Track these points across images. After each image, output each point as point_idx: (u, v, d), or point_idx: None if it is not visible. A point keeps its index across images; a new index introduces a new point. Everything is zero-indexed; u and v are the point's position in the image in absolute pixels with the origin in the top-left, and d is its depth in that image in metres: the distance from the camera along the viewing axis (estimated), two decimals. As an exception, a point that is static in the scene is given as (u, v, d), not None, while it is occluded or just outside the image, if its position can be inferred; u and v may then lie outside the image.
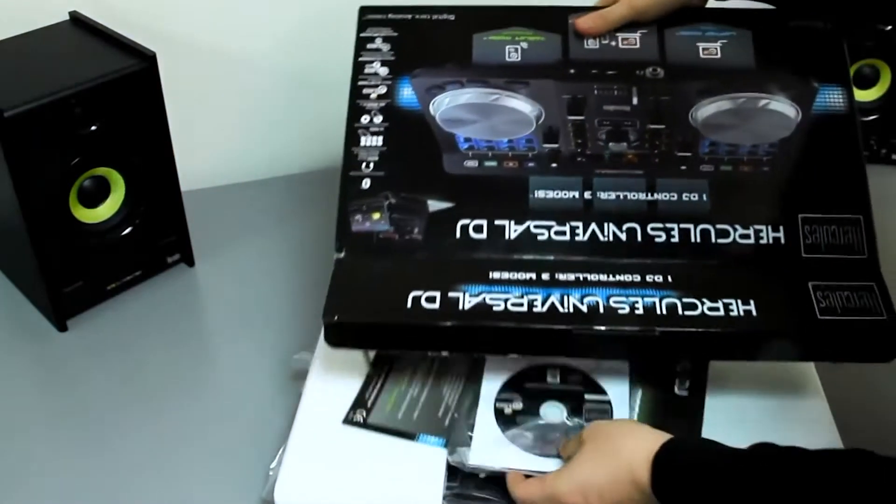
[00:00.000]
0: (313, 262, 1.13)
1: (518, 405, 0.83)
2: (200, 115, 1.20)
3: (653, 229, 0.83)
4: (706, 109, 0.88)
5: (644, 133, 0.87)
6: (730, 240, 0.82)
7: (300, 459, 0.81)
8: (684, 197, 0.84)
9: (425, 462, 0.80)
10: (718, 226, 0.82)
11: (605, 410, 0.82)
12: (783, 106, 0.88)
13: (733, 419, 0.82)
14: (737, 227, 0.82)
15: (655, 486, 0.67)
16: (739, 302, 0.78)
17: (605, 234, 0.83)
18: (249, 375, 0.95)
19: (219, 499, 0.83)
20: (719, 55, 0.90)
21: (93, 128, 0.93)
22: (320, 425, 0.84)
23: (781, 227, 0.82)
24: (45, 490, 0.84)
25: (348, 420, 0.83)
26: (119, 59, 0.96)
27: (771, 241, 0.82)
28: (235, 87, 1.21)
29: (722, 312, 0.78)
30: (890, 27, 1.17)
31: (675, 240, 0.82)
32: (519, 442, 0.80)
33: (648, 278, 0.80)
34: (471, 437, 0.80)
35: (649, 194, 0.84)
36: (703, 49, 0.91)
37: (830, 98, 0.88)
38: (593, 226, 0.83)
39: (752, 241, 0.82)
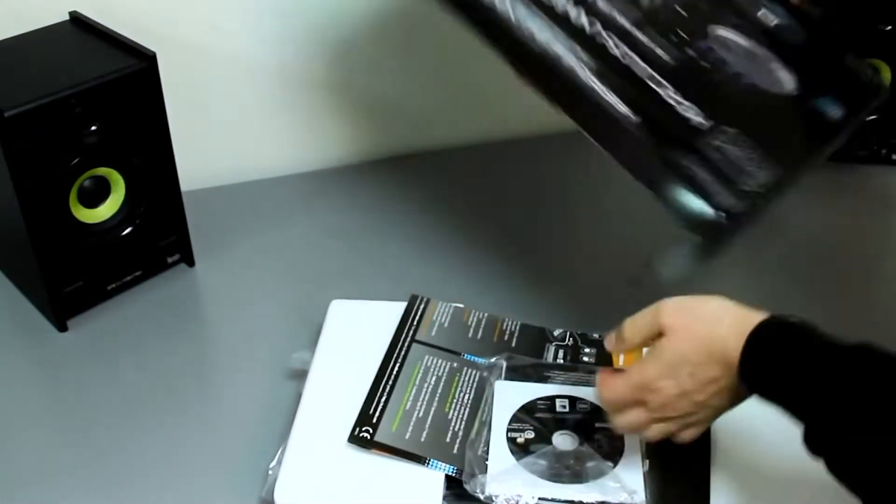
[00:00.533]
0: (313, 262, 1.13)
1: (530, 434, 0.83)
2: (200, 115, 1.20)
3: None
4: (726, 33, 0.93)
5: None
6: None
7: (300, 459, 0.81)
8: None
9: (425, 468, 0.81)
10: None
11: (617, 437, 0.82)
12: (786, 78, 0.92)
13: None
14: None
15: (743, 368, 0.66)
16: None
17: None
18: (249, 375, 0.95)
19: (217, 498, 0.83)
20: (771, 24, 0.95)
21: (93, 128, 0.93)
22: (321, 425, 0.84)
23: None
24: (44, 489, 0.84)
25: (354, 438, 0.82)
26: (119, 59, 0.96)
27: None
28: (235, 87, 1.21)
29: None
30: (890, 27, 1.17)
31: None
32: (533, 469, 0.80)
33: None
34: (486, 465, 0.80)
35: None
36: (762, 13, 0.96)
37: (829, 108, 0.91)
38: None
39: None
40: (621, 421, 0.75)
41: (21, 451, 0.88)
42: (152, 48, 0.96)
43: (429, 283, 1.02)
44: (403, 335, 0.93)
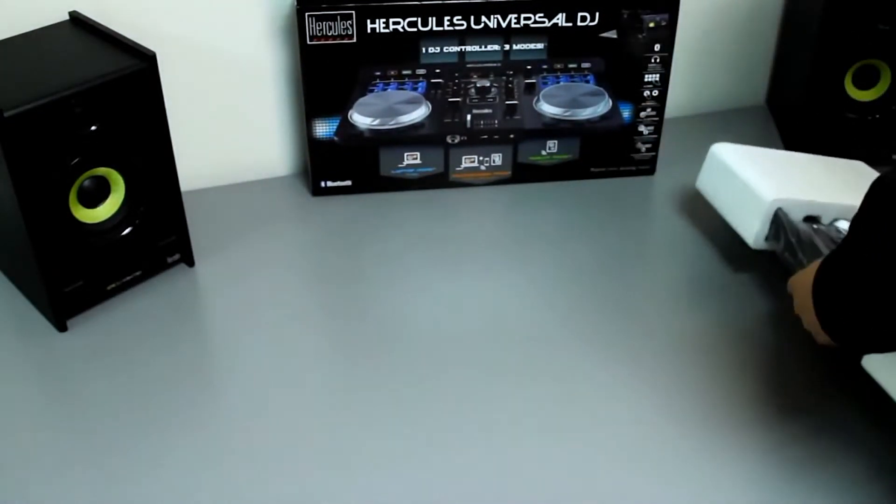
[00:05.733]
0: (313, 261, 1.13)
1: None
2: (200, 115, 1.20)
3: None
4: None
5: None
6: None
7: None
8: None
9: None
10: None
11: None
12: None
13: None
14: None
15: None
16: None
17: None
18: (248, 375, 0.96)
19: (216, 496, 0.83)
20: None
21: (93, 128, 0.93)
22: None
23: None
24: (44, 489, 0.84)
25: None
26: (119, 59, 0.96)
27: None
28: (235, 86, 1.21)
29: None
30: (890, 27, 1.17)
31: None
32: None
33: None
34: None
35: None
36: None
37: None
38: None
39: None
40: None
41: (21, 451, 0.88)
42: (152, 48, 0.97)
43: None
44: None
